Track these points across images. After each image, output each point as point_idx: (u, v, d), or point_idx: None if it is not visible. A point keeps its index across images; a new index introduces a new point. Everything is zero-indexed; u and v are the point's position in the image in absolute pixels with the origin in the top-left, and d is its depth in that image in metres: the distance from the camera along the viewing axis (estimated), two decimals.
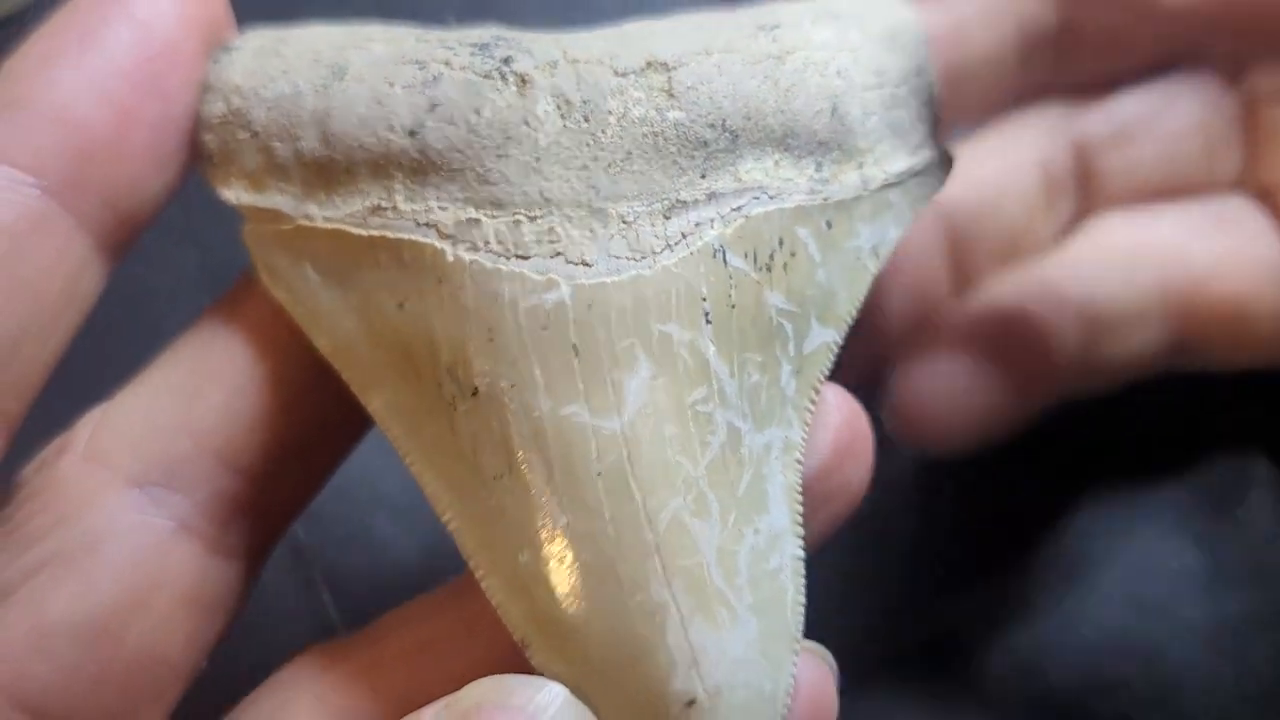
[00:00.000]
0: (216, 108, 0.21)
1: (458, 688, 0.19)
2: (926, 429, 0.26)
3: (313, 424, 0.21)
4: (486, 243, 0.19)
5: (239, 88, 0.21)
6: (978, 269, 0.28)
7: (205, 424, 0.20)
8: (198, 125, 0.21)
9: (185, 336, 0.22)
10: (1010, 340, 0.26)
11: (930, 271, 0.27)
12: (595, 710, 0.18)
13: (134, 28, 0.20)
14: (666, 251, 0.19)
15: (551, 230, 0.19)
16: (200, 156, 0.21)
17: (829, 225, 0.21)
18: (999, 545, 0.25)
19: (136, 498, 0.20)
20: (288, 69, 0.21)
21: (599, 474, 0.18)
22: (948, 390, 0.26)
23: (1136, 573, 0.29)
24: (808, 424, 0.20)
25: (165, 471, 0.20)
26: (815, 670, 0.20)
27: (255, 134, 0.20)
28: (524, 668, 0.19)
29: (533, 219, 0.19)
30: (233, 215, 0.21)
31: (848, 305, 0.21)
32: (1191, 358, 0.27)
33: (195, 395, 0.21)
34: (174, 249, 0.33)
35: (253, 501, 0.21)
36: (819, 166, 0.21)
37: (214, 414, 0.20)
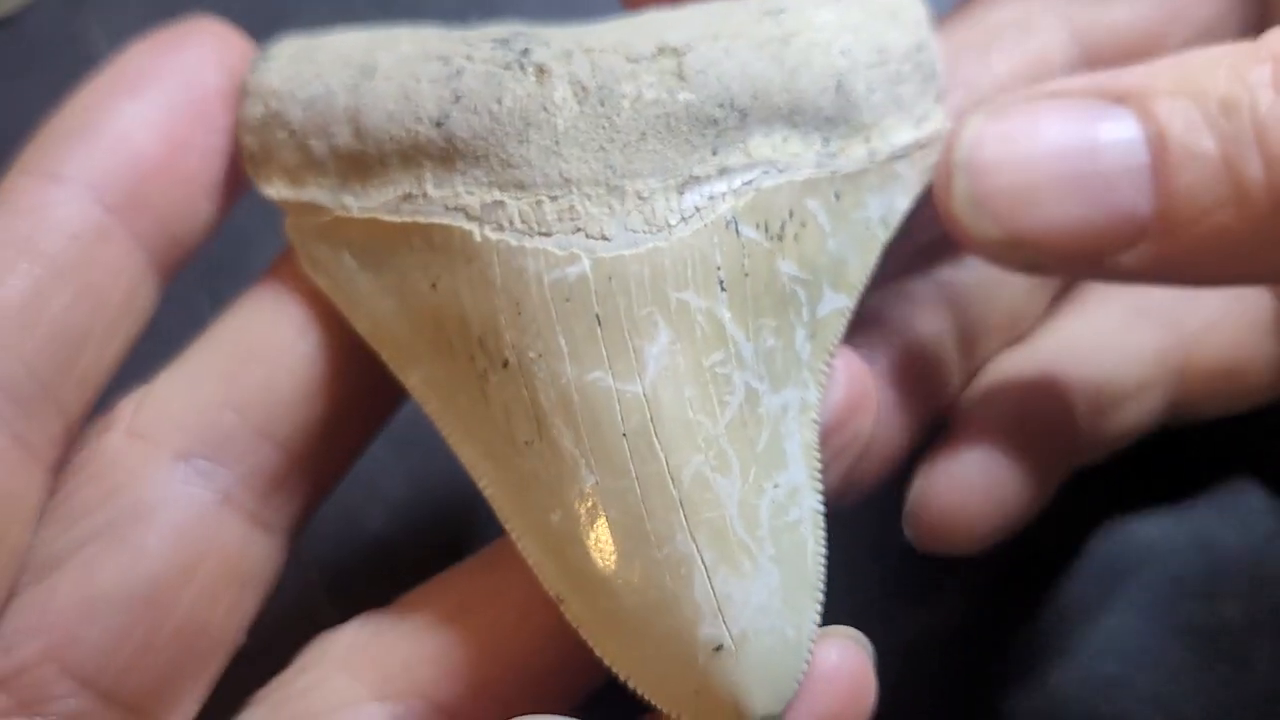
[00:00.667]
0: (256, 110, 0.22)
1: (489, 655, 0.20)
2: (955, 531, 0.25)
3: (347, 401, 0.22)
4: (511, 222, 0.20)
5: (276, 91, 0.22)
6: (984, 352, 0.27)
7: (248, 399, 0.22)
8: (239, 128, 0.22)
9: (223, 319, 0.23)
10: (1029, 426, 0.25)
11: (943, 364, 0.26)
12: (628, 658, 0.19)
13: (186, 71, 0.22)
14: (681, 224, 0.20)
15: (572, 208, 0.20)
16: (242, 157, 0.22)
17: (837, 196, 0.22)
18: (998, 543, 0.25)
19: (182, 470, 0.21)
20: (320, 72, 0.22)
21: (624, 435, 0.19)
22: (973, 487, 0.25)
23: (1137, 572, 0.29)
24: (822, 385, 0.21)
25: (209, 445, 0.21)
26: (854, 656, 0.20)
27: (293, 132, 0.22)
28: (551, 631, 0.20)
29: (554, 198, 0.20)
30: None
31: (859, 273, 0.22)
32: (1185, 414, 0.27)
33: (237, 372, 0.22)
34: None
35: (291, 476, 0.22)
36: (826, 141, 0.22)
37: (256, 390, 0.22)
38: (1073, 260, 0.21)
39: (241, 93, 0.22)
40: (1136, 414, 0.26)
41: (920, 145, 0.22)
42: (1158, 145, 0.20)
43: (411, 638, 0.21)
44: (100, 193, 0.21)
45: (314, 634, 0.27)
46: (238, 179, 0.23)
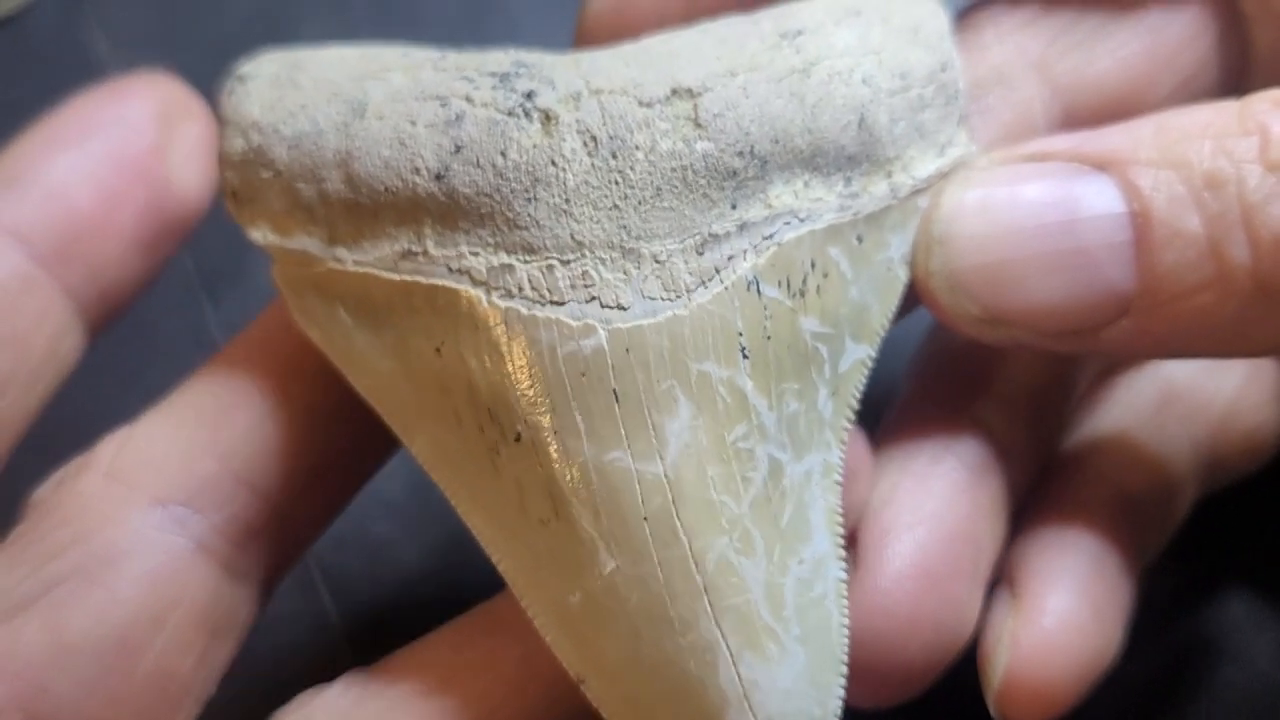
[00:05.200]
0: (236, 144, 0.21)
1: None
2: (1061, 698, 0.21)
3: (331, 453, 0.22)
4: (520, 289, 0.19)
5: (257, 123, 0.20)
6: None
7: (230, 447, 0.21)
8: (219, 162, 0.21)
9: (209, 364, 0.22)
10: (1125, 533, 0.23)
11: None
12: None
13: (125, 124, 0.22)
14: (700, 289, 0.19)
15: (585, 274, 0.19)
16: (224, 193, 0.21)
17: (860, 240, 0.21)
18: None
19: (158, 516, 0.20)
20: (306, 103, 0.20)
21: (645, 518, 0.19)
22: (1073, 638, 0.21)
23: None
24: (844, 443, 0.20)
25: (187, 491, 0.21)
26: None
27: (278, 173, 0.20)
28: (542, 707, 0.20)
29: (565, 263, 0.19)
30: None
31: (880, 318, 0.21)
32: (1213, 485, 0.26)
33: (221, 419, 0.21)
34: None
35: (270, 526, 0.21)
36: (848, 181, 0.20)
37: (239, 438, 0.21)
38: (1054, 337, 0.20)
39: (220, 122, 0.21)
40: (1181, 508, 0.25)
41: (943, 175, 0.21)
42: (1141, 222, 0.19)
43: (396, 708, 0.20)
44: (29, 243, 0.21)
45: (318, 638, 0.26)
46: (172, 235, 0.23)
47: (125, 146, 0.22)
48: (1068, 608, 0.21)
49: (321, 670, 0.27)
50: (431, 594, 0.29)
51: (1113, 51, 0.23)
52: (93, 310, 0.22)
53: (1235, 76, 0.24)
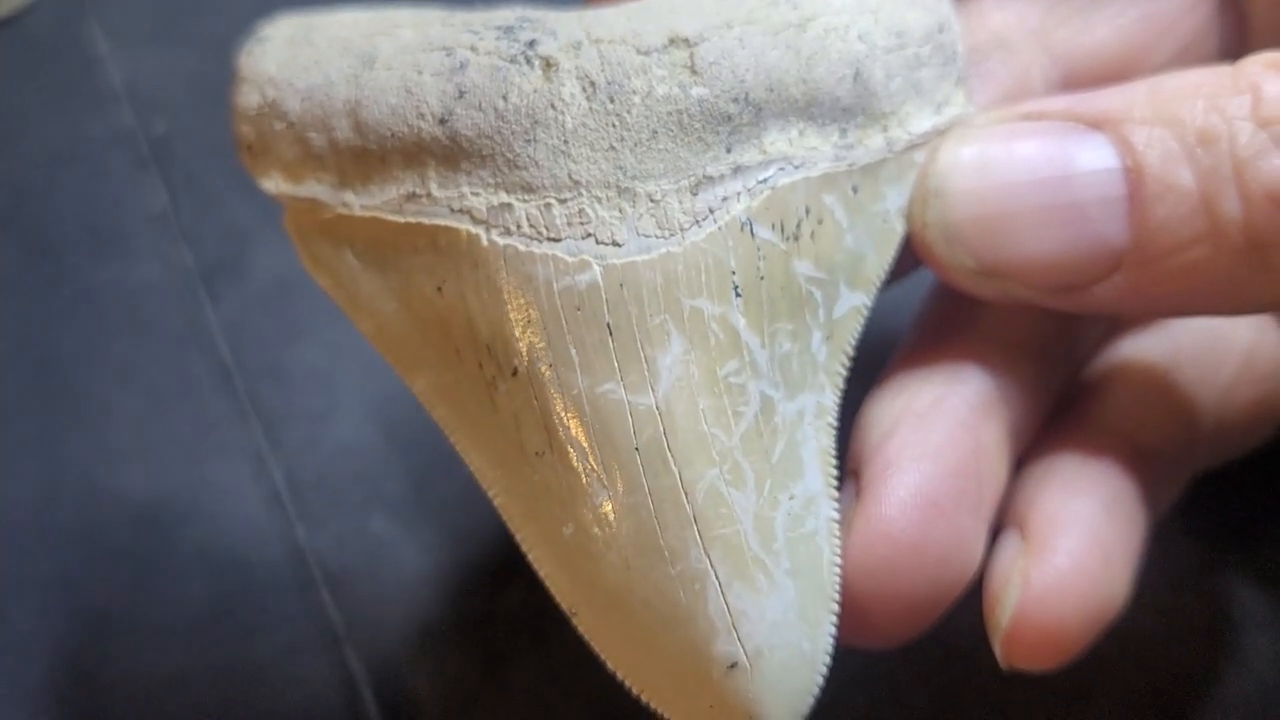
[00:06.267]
0: (253, 99, 0.21)
1: None
2: (1071, 644, 0.21)
3: None
4: (519, 226, 0.20)
5: (273, 79, 0.21)
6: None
7: None
8: (235, 117, 0.22)
9: None
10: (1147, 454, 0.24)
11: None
12: (642, 673, 0.19)
13: None
14: (694, 228, 0.20)
15: (582, 212, 0.19)
16: (239, 147, 0.22)
17: (855, 190, 0.21)
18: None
19: None
20: (319, 59, 0.21)
21: (636, 449, 0.19)
22: (1085, 581, 0.21)
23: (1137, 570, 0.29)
24: (839, 388, 0.21)
25: None
26: None
27: (291, 124, 0.21)
28: None
29: (563, 201, 0.20)
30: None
31: (876, 268, 0.21)
32: (1221, 452, 0.26)
33: None
34: (168, 247, 0.33)
35: None
36: (843, 132, 0.21)
37: None
38: (1047, 291, 0.21)
39: (236, 79, 0.22)
40: (1189, 468, 0.25)
41: (939, 132, 0.22)
42: (1134, 177, 0.19)
43: None
44: None
45: (318, 638, 0.26)
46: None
47: None
48: (1080, 549, 0.21)
49: (321, 671, 0.27)
50: (431, 594, 0.29)
51: (1110, 20, 0.23)
52: None
53: (1233, 46, 0.24)
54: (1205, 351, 0.25)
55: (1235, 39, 0.24)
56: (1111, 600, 0.21)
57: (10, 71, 0.36)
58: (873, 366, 0.23)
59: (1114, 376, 0.25)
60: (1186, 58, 0.24)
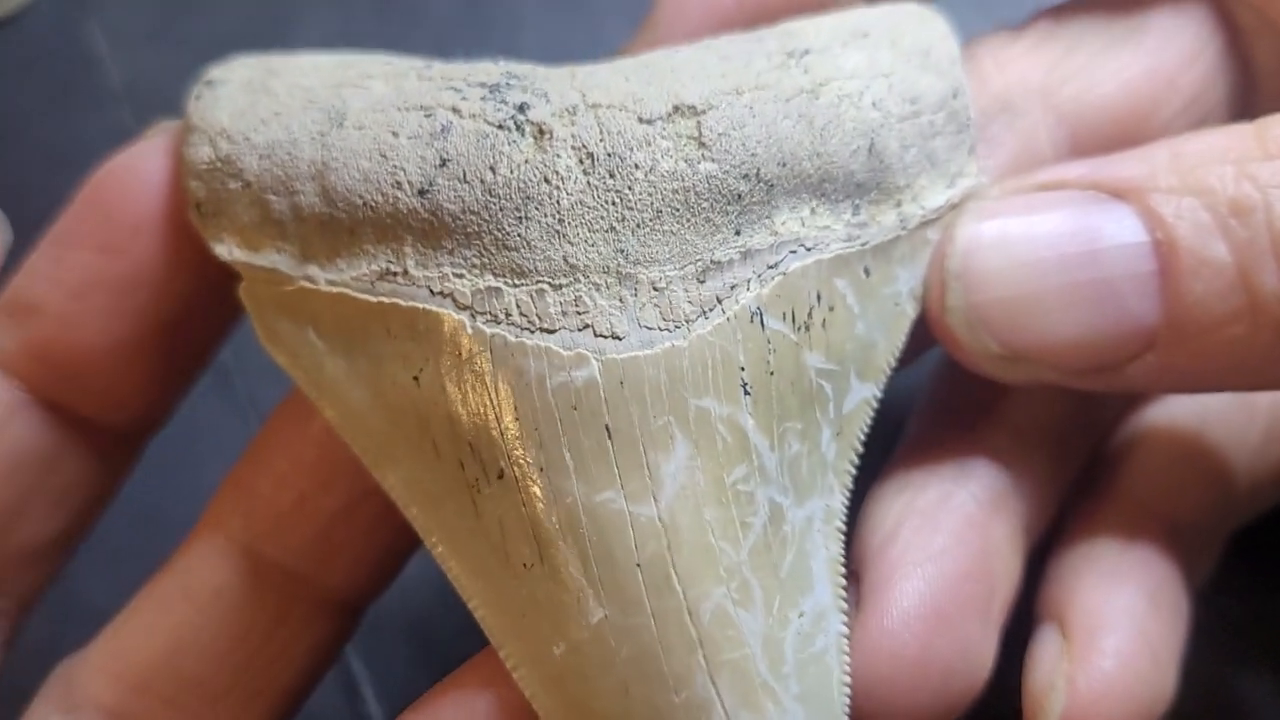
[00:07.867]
0: (203, 152, 0.19)
1: None
2: None
3: None
4: (508, 314, 0.18)
5: (226, 130, 0.19)
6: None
7: None
8: (183, 170, 0.19)
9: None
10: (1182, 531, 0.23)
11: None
12: None
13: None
14: (701, 319, 0.18)
15: (578, 300, 0.18)
16: (188, 204, 0.19)
17: (867, 273, 0.19)
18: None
19: None
20: (279, 110, 0.19)
21: (638, 565, 0.17)
22: (1128, 671, 0.20)
23: None
24: (848, 488, 0.19)
25: None
26: None
27: (248, 184, 0.19)
28: None
29: (557, 288, 0.18)
30: None
31: (886, 355, 0.20)
32: (1255, 510, 0.25)
33: None
34: None
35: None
36: (856, 210, 0.19)
37: None
38: (1076, 373, 0.19)
39: (185, 127, 0.19)
40: (1225, 534, 0.24)
41: (953, 206, 0.20)
42: (1166, 251, 0.18)
43: None
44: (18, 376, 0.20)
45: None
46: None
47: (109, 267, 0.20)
48: (1126, 648, 0.20)
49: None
50: (432, 594, 0.28)
51: (1115, 75, 0.22)
52: (103, 443, 0.21)
53: (1241, 93, 0.23)
54: (1234, 411, 0.24)
55: (1241, 86, 0.23)
56: (1160, 699, 0.20)
57: (10, 71, 0.36)
58: (875, 453, 0.21)
59: (1142, 445, 0.24)
60: (1194, 109, 0.22)
